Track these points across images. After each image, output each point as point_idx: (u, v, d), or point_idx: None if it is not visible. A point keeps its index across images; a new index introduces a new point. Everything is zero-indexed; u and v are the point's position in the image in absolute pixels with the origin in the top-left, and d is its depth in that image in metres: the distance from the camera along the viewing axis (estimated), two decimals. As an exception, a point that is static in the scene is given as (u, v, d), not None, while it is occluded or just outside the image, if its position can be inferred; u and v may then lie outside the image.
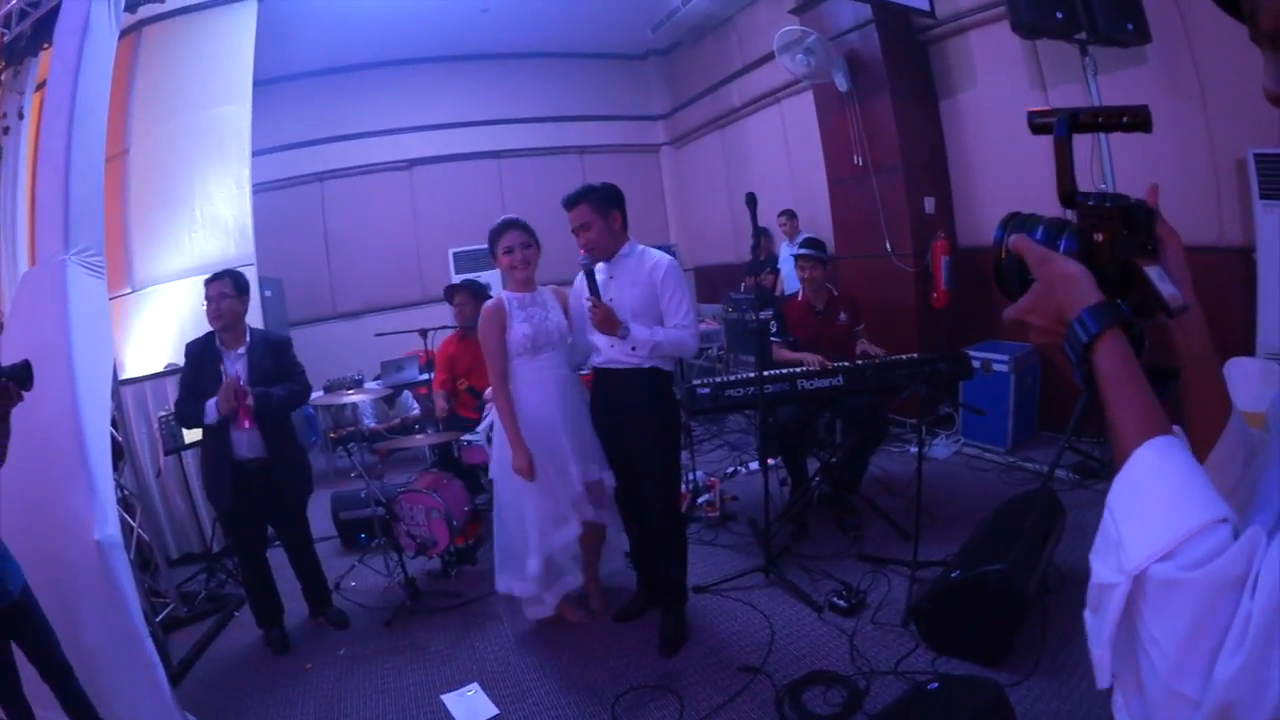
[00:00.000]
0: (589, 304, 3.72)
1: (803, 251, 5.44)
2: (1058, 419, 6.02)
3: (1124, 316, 0.95)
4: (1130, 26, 4.99)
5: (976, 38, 6.68)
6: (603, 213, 3.78)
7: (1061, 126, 0.99)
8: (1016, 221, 1.09)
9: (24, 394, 2.76)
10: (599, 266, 3.87)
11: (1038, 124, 1.03)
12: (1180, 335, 1.05)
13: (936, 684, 2.96)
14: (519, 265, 3.95)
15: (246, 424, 4.07)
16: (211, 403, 4.03)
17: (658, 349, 3.74)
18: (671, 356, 3.90)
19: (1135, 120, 0.97)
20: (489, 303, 4.01)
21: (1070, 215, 1.05)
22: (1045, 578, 3.75)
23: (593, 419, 4.04)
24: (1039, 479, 5.37)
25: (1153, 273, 0.97)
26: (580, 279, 3.84)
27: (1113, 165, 5.22)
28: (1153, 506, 0.84)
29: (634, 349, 3.75)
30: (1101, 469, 5.31)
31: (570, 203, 3.82)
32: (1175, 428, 0.92)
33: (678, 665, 3.74)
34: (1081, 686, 3.17)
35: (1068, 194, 1.00)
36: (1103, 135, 5.10)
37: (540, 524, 3.91)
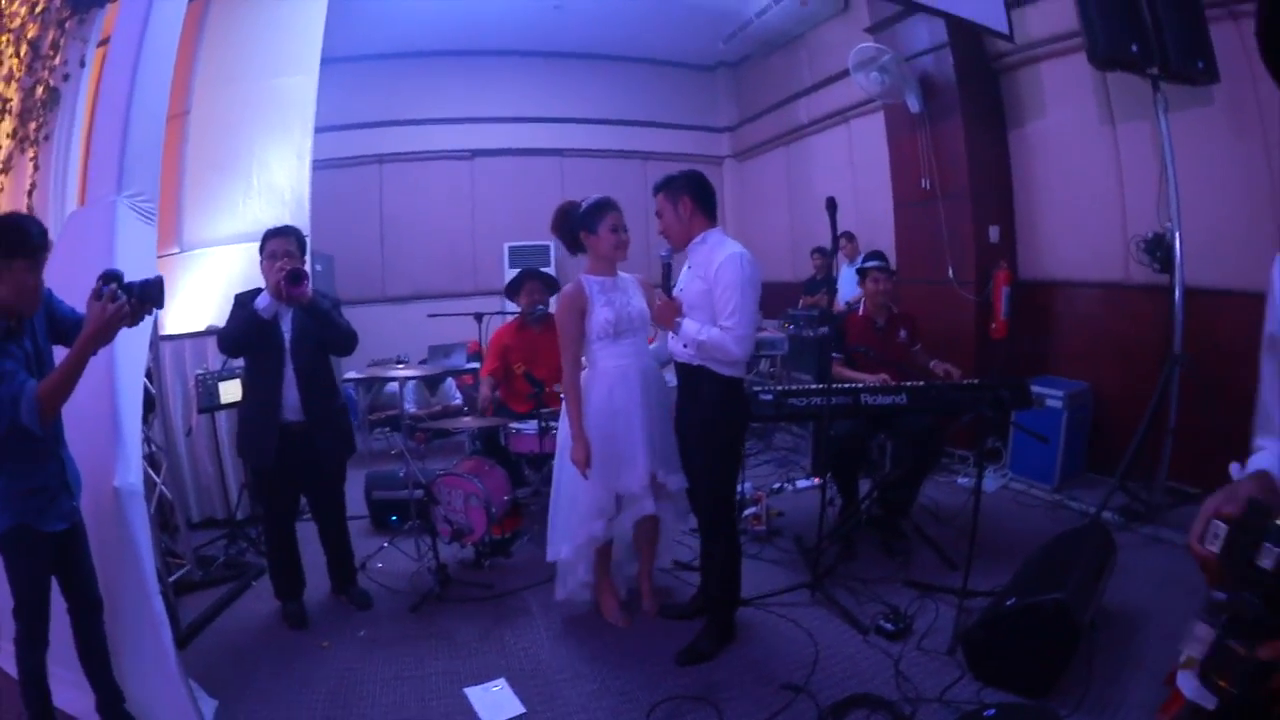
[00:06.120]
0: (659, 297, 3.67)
1: (871, 264, 5.34)
2: (1106, 461, 5.85)
3: None
4: (1200, 65, 4.94)
5: (1048, 69, 6.58)
6: (672, 199, 3.72)
7: None
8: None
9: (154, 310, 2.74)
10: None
11: None
12: None
13: (993, 711, 2.85)
14: (623, 246, 3.86)
15: (300, 289, 3.88)
16: (263, 295, 3.91)
17: (702, 348, 3.56)
18: (716, 360, 3.59)
19: None
20: (568, 286, 3.88)
21: None
22: (1095, 613, 3.60)
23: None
24: (1085, 519, 5.23)
25: None
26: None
27: (1179, 201, 5.07)
28: None
29: (685, 345, 3.63)
30: (1147, 513, 5.16)
31: (654, 190, 3.80)
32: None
33: (719, 676, 3.55)
34: (1128, 722, 3.03)
35: None
36: (1170, 166, 5.06)
37: (586, 512, 3.81)
